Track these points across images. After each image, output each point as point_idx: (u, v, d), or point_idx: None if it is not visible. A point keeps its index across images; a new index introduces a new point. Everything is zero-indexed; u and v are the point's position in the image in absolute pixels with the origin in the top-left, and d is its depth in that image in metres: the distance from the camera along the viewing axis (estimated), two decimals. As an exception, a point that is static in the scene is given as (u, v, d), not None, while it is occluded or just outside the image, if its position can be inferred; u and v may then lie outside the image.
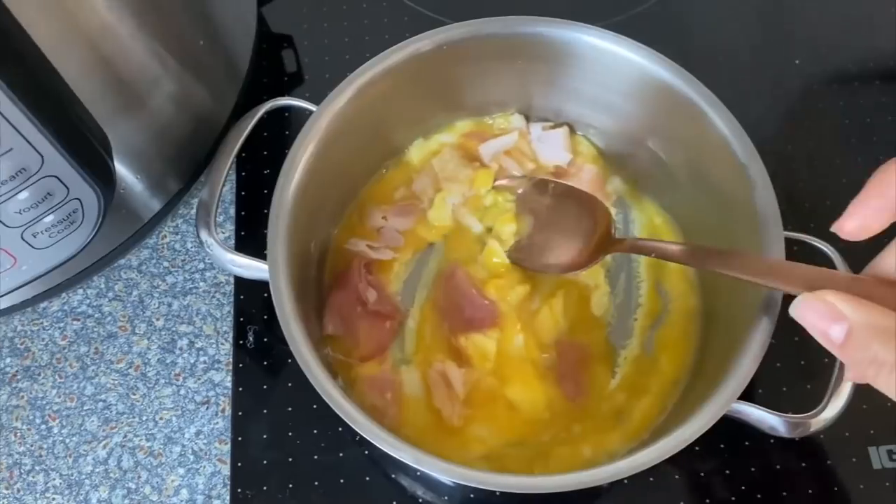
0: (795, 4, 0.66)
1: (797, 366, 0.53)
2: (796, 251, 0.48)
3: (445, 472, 0.40)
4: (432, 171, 0.55)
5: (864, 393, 0.52)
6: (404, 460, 0.40)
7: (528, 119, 0.57)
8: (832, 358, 0.44)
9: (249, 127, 0.50)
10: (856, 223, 0.38)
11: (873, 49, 0.64)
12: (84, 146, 0.40)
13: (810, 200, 0.58)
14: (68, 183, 0.39)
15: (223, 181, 0.48)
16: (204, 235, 0.47)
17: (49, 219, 0.40)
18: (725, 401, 0.41)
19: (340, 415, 0.41)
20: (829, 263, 0.47)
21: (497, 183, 0.54)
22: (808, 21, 0.66)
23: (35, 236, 0.41)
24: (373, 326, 0.52)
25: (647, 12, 0.65)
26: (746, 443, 0.51)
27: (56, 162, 0.38)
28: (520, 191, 0.54)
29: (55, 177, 0.39)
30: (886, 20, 0.66)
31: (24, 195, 0.38)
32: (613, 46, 0.48)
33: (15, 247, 0.41)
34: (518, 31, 0.49)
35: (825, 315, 0.35)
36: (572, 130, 0.57)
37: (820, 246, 0.48)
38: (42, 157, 0.37)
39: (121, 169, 0.47)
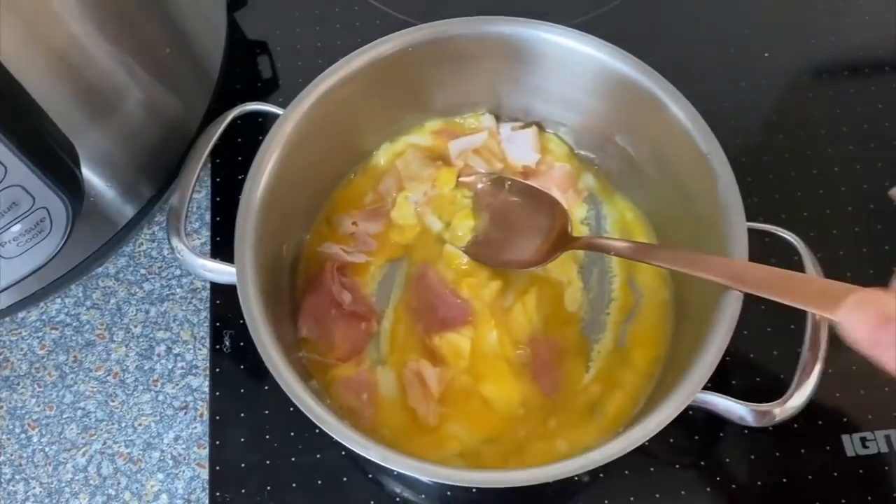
0: None
1: (770, 357, 0.53)
2: (768, 242, 0.49)
3: (413, 470, 0.40)
4: (396, 172, 0.55)
5: (836, 381, 0.53)
6: (372, 458, 0.40)
7: (498, 119, 0.57)
8: (792, 338, 0.45)
9: (219, 132, 0.50)
10: None
11: (843, 41, 0.65)
12: (49, 156, 0.40)
13: (781, 192, 0.58)
14: (34, 192, 0.40)
15: (193, 186, 0.49)
16: (175, 241, 0.48)
17: (16, 228, 0.41)
18: (690, 391, 0.41)
19: (307, 413, 0.41)
20: (796, 253, 0.48)
21: (461, 179, 0.55)
22: (777, 14, 0.66)
23: (3, 245, 0.41)
24: (348, 328, 0.52)
25: (614, 11, 0.65)
26: (721, 434, 0.52)
27: (20, 172, 0.38)
28: (478, 186, 0.55)
29: (20, 186, 0.39)
30: (856, 12, 0.66)
31: (-12, 205, 0.38)
32: (574, 43, 0.49)
33: (-17, 256, 0.41)
34: (482, 31, 0.49)
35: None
36: (542, 129, 0.57)
37: (786, 237, 0.48)
38: (5, 167, 0.38)
39: (91, 177, 0.47)
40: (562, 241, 0.51)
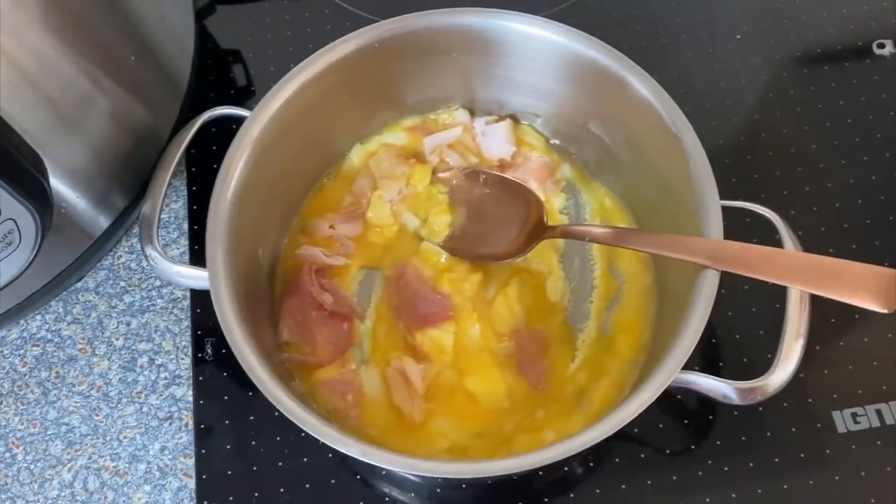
0: None
1: (756, 336, 0.53)
2: (749, 222, 0.48)
3: (394, 464, 0.40)
4: (369, 172, 0.55)
5: (824, 358, 0.52)
6: (352, 455, 0.40)
7: (472, 113, 0.57)
8: (772, 315, 0.45)
9: (188, 137, 0.50)
10: None
11: (817, 24, 0.64)
12: (14, 167, 0.40)
13: (759, 171, 0.58)
14: (0, 204, 0.40)
15: (164, 193, 0.48)
16: (148, 250, 0.47)
17: (-17, 241, 0.40)
18: (670, 371, 0.41)
19: (286, 414, 0.41)
20: (776, 231, 0.47)
21: (438, 175, 0.55)
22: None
23: (-29, 259, 0.41)
24: (330, 329, 0.52)
25: (585, 2, 0.65)
26: (710, 417, 0.51)
27: (-18, 183, 0.38)
28: (454, 182, 0.54)
29: (-17, 197, 0.39)
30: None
31: (-48, 217, 0.38)
32: (537, 30, 0.48)
33: (-48, 271, 0.41)
34: (445, 22, 0.49)
35: None
36: (517, 121, 0.57)
37: (764, 213, 0.47)
38: (-33, 178, 0.37)
39: (60, 188, 0.47)
40: (538, 230, 0.51)
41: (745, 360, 0.52)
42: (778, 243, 0.47)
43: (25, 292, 0.50)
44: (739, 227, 0.47)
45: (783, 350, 0.42)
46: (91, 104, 0.47)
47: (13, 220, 0.41)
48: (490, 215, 0.53)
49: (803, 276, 0.40)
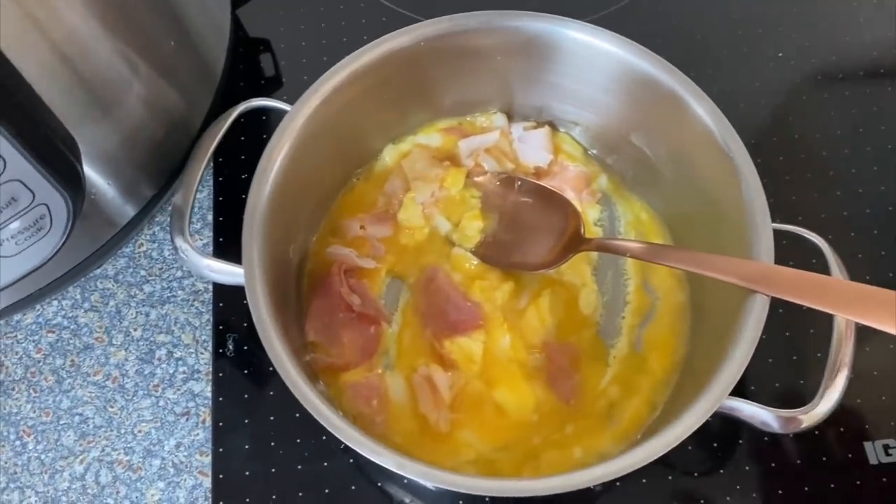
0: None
1: (789, 361, 0.52)
2: (785, 244, 0.47)
3: (429, 478, 0.39)
4: (402, 173, 0.54)
5: (858, 387, 0.51)
6: (387, 466, 0.38)
7: (510, 118, 0.56)
8: (825, 352, 0.44)
9: (223, 130, 0.49)
10: None
11: (859, 42, 0.64)
12: (49, 149, 0.39)
13: (798, 194, 0.57)
14: (33, 187, 0.38)
15: (197, 185, 0.47)
16: (178, 241, 0.46)
17: (15, 225, 0.39)
18: (715, 398, 0.40)
19: (320, 420, 0.39)
20: (820, 255, 0.47)
21: (473, 179, 0.54)
22: (790, 15, 0.65)
23: (1, 243, 0.40)
24: (357, 331, 0.51)
25: (626, 8, 0.64)
26: (740, 441, 0.50)
27: (19, 166, 0.37)
28: (488, 187, 0.53)
29: (19, 181, 0.37)
30: (874, 13, 0.65)
31: (-14, 201, 0.37)
32: (592, 39, 0.47)
33: (-20, 255, 0.40)
34: (497, 25, 0.48)
35: None
36: (555, 129, 0.56)
37: (811, 238, 0.47)
38: (4, 161, 0.36)
39: (91, 174, 0.45)
40: (574, 242, 0.50)
41: (776, 384, 0.52)
42: (820, 268, 0.46)
43: (45, 279, 0.49)
44: (776, 249, 0.46)
45: (828, 380, 0.42)
46: (127, 90, 0.46)
47: (46, 204, 0.40)
48: (525, 223, 0.52)
49: (856, 306, 0.39)
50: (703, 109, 0.45)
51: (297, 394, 0.40)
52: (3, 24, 0.36)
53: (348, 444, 0.39)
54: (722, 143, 0.45)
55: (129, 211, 0.50)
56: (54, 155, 0.39)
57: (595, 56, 0.48)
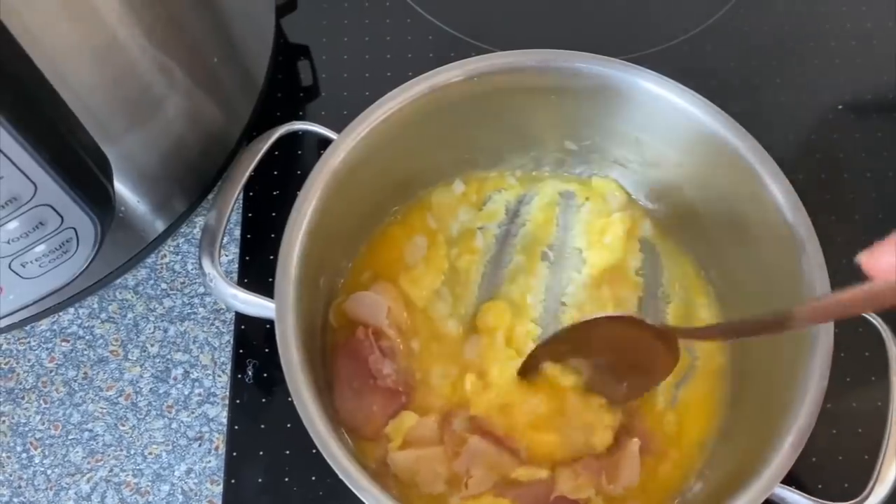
0: (811, 31, 0.63)
1: (830, 436, 0.50)
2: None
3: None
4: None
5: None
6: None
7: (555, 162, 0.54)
8: (868, 429, 0.42)
9: (262, 151, 0.47)
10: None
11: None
12: (82, 172, 0.37)
13: (848, 260, 0.55)
14: (63, 212, 0.36)
15: (232, 208, 0.45)
16: (207, 266, 0.44)
17: (40, 248, 0.37)
18: (765, 487, 0.38)
19: (343, 477, 0.37)
20: (869, 328, 0.45)
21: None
22: (825, 49, 0.62)
23: (24, 266, 0.38)
24: (386, 401, 0.47)
25: (671, 48, 0.62)
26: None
27: (50, 190, 0.35)
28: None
29: (49, 206, 0.35)
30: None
31: (13, 225, 0.35)
32: (656, 88, 0.45)
33: (1, 276, 0.38)
34: (554, 65, 0.46)
35: None
36: (601, 174, 0.53)
37: (872, 321, 0.44)
38: (35, 185, 0.34)
39: (122, 190, 0.43)
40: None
41: (813, 459, 0.49)
42: (874, 348, 0.44)
43: (65, 294, 0.46)
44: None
45: (881, 471, 0.40)
46: (166, 105, 0.43)
47: (74, 228, 0.38)
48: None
49: None
50: (770, 178, 0.43)
51: (328, 455, 0.38)
52: (47, 39, 0.34)
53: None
54: (786, 213, 0.42)
55: (159, 226, 0.48)
56: (86, 178, 0.37)
57: (655, 105, 0.45)
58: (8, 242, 0.35)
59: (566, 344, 0.46)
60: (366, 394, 0.46)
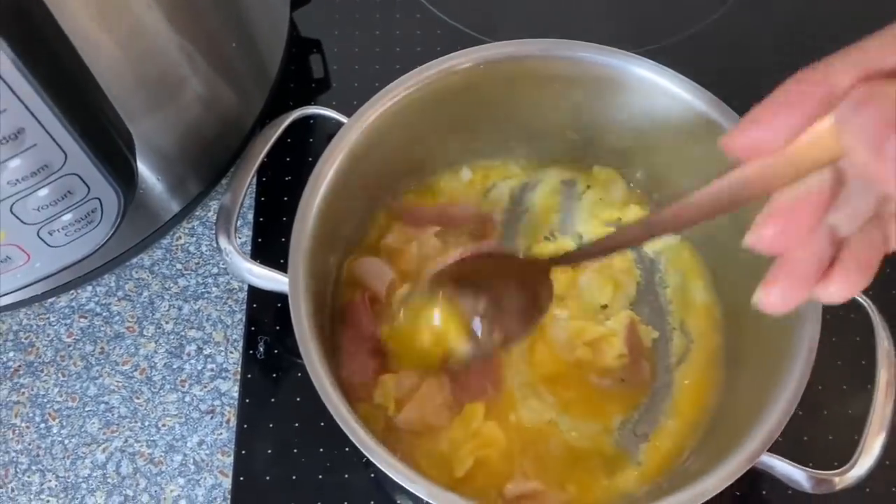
0: (812, 28, 0.65)
1: (820, 415, 0.51)
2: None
3: (457, 508, 0.38)
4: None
5: (888, 448, 0.51)
6: (419, 494, 0.38)
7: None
8: (857, 409, 0.43)
9: (276, 135, 0.49)
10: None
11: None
12: (109, 145, 0.39)
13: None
14: (89, 182, 0.38)
15: (247, 188, 0.47)
16: (223, 242, 0.46)
17: (67, 217, 0.39)
18: (753, 453, 0.39)
19: (354, 440, 0.39)
20: (861, 311, 0.46)
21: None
22: (827, 46, 0.64)
23: (51, 234, 0.40)
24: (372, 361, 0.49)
25: (683, 41, 0.64)
26: (764, 492, 0.50)
27: (79, 160, 0.37)
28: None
29: (77, 175, 0.37)
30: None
31: (43, 192, 0.37)
32: (659, 79, 0.46)
33: (29, 243, 0.40)
34: (557, 54, 0.47)
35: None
36: (598, 164, 0.55)
37: (857, 297, 0.46)
38: (65, 154, 0.36)
39: (143, 169, 0.45)
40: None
41: (805, 438, 0.51)
42: (861, 327, 0.46)
43: (84, 269, 0.48)
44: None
45: (866, 443, 0.41)
46: (185, 87, 0.46)
47: (98, 199, 0.40)
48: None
49: None
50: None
51: (340, 420, 0.39)
52: (80, 19, 0.36)
53: (382, 467, 0.39)
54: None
55: (175, 206, 0.50)
56: (113, 151, 0.39)
57: (653, 93, 0.47)
58: (38, 210, 0.37)
59: (456, 278, 0.46)
60: (358, 354, 0.48)
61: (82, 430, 0.52)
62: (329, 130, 0.52)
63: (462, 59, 0.48)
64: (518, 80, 0.49)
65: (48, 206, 0.38)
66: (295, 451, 0.50)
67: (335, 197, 0.46)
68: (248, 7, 0.49)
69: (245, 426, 0.51)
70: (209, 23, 0.46)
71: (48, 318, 0.55)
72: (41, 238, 0.39)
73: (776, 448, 0.42)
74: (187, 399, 0.53)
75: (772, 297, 0.31)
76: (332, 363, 0.46)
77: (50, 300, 0.55)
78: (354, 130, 0.46)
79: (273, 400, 0.51)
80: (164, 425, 0.52)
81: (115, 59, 0.40)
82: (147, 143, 0.45)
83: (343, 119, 0.48)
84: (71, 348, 0.54)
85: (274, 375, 0.52)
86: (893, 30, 0.26)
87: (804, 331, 0.43)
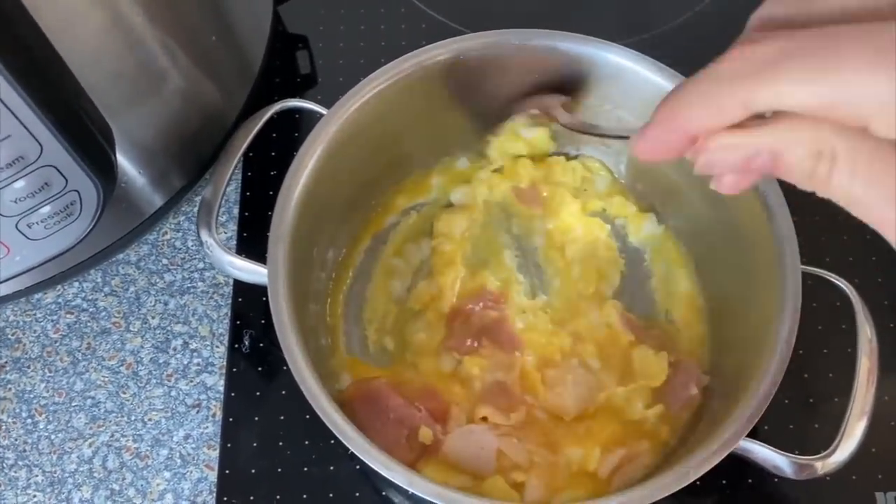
0: None
1: (805, 403, 0.51)
2: (810, 284, 0.47)
3: (440, 498, 0.38)
4: None
5: (874, 436, 0.50)
6: (396, 481, 0.38)
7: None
8: (843, 397, 0.43)
9: (258, 127, 0.49)
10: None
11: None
12: (85, 137, 0.39)
13: (827, 235, 0.56)
14: (67, 174, 0.38)
15: (227, 181, 0.47)
16: (204, 235, 0.46)
17: (45, 209, 0.39)
18: (730, 438, 0.39)
19: (335, 431, 0.39)
20: (846, 299, 0.46)
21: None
22: None
23: (30, 226, 0.40)
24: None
25: (666, 33, 0.64)
26: (749, 480, 0.50)
27: (55, 152, 0.37)
28: None
29: (53, 167, 0.37)
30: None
31: (20, 184, 0.37)
32: (630, 64, 0.47)
33: (9, 236, 0.40)
34: (537, 43, 0.48)
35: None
36: (586, 153, 0.55)
37: (838, 283, 0.46)
38: (41, 145, 0.36)
39: (123, 162, 0.45)
40: None
41: (790, 426, 0.51)
42: (843, 312, 0.46)
43: (68, 263, 0.49)
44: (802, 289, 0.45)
45: (846, 429, 0.41)
46: (165, 81, 0.46)
47: (77, 191, 0.40)
48: None
49: None
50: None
51: (316, 405, 0.39)
52: (51, 10, 0.36)
53: (360, 455, 0.39)
54: (760, 185, 0.44)
55: (158, 200, 0.50)
56: (90, 143, 0.39)
57: (633, 81, 0.47)
58: (15, 202, 0.38)
59: None
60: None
61: (69, 425, 0.52)
62: (314, 125, 0.53)
63: (441, 50, 0.48)
64: (498, 69, 0.49)
65: (25, 198, 0.38)
66: (280, 443, 0.50)
67: (317, 187, 0.46)
68: (228, 1, 0.49)
69: (231, 420, 0.51)
70: (188, 16, 0.46)
71: (35, 314, 0.55)
72: (20, 230, 0.40)
73: (763, 437, 0.42)
74: (173, 393, 0.53)
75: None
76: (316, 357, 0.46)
77: (36, 296, 0.55)
78: (334, 122, 0.46)
79: (258, 393, 0.52)
80: (150, 420, 0.52)
81: (93, 52, 0.40)
82: (128, 136, 0.45)
83: (324, 111, 0.48)
84: (57, 344, 0.54)
85: (259, 369, 0.52)
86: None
87: (784, 317, 0.43)
